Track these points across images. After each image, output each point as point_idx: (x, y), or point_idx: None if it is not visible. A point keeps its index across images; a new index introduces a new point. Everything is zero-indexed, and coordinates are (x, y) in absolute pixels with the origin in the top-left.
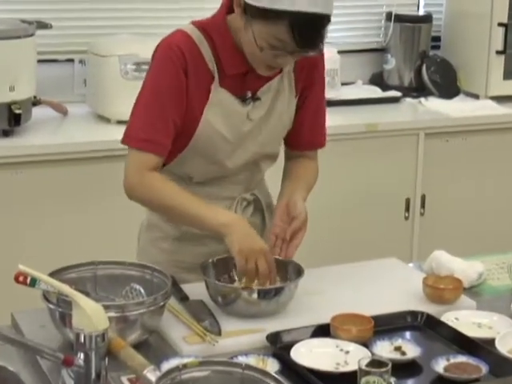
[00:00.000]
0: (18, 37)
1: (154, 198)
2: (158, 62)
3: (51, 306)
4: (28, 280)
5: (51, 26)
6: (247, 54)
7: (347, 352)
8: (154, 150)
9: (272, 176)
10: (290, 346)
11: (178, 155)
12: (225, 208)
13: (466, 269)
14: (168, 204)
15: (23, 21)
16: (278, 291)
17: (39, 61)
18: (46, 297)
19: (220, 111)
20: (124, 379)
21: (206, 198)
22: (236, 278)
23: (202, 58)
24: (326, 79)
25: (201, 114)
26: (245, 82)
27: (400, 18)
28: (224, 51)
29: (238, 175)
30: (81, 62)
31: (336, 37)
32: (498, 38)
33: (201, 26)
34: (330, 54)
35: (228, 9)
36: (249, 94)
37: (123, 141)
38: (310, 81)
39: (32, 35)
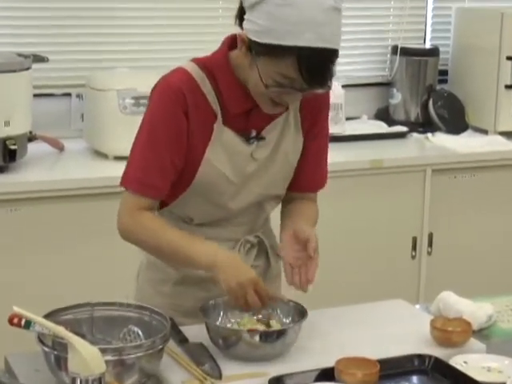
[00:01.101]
0: (14, 70)
1: (145, 238)
2: (156, 102)
3: (46, 349)
4: (22, 322)
5: (48, 60)
6: (252, 91)
7: None
8: (148, 193)
9: (277, 216)
10: None
11: (179, 196)
12: (227, 250)
13: (475, 311)
14: (159, 244)
15: (19, 54)
16: (280, 334)
17: (35, 95)
18: (40, 339)
19: (223, 150)
20: None
21: (207, 240)
22: (233, 320)
23: (203, 97)
24: (330, 114)
25: (203, 154)
26: (249, 121)
27: (406, 52)
28: (227, 89)
29: (242, 217)
30: (78, 96)
31: (340, 70)
32: (506, 72)
33: (202, 63)
34: (334, 88)
35: (230, 46)
36: (253, 133)
37: (120, 183)
38: (314, 121)
39: (28, 69)
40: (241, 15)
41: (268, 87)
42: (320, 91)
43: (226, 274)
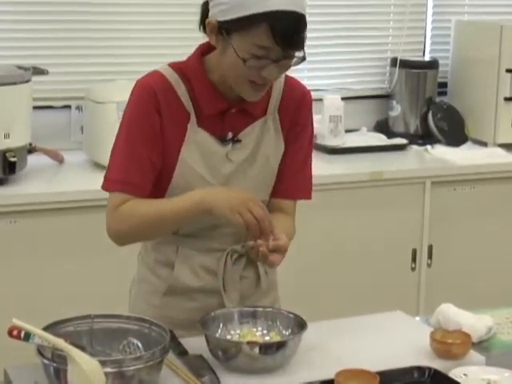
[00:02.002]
0: (14, 83)
1: (129, 225)
2: (131, 104)
3: (46, 361)
4: (22, 334)
5: (48, 72)
6: (230, 78)
7: None
8: (129, 191)
9: None
10: None
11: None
12: (215, 260)
13: (475, 323)
14: (143, 220)
15: (19, 67)
16: (280, 345)
17: (35, 107)
18: (40, 351)
19: (197, 150)
20: None
21: (194, 250)
22: (232, 332)
23: (176, 97)
24: (330, 126)
25: (178, 154)
26: (224, 123)
27: (405, 64)
28: (201, 90)
29: (227, 226)
30: (78, 108)
31: (340, 83)
32: (506, 85)
33: (177, 66)
34: (333, 100)
35: (203, 51)
36: (229, 135)
37: (102, 186)
38: (294, 120)
39: (28, 81)
40: (206, 12)
41: (246, 61)
42: (295, 61)
43: (221, 199)
